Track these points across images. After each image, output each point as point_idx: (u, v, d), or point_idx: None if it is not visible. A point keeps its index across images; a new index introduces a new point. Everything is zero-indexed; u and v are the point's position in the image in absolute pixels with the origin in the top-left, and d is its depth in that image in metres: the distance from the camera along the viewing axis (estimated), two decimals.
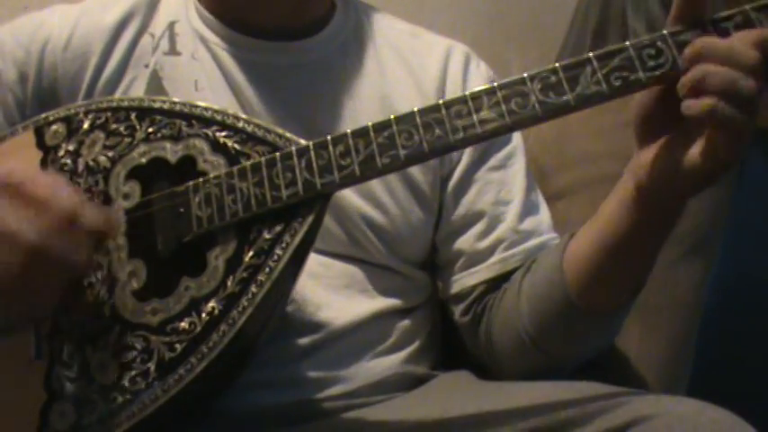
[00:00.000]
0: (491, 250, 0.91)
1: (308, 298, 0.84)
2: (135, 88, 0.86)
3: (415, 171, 0.90)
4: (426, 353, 0.93)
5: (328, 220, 0.85)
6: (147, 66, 0.88)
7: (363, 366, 0.85)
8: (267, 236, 0.70)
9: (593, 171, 1.04)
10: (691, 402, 0.67)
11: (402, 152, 0.68)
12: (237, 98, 0.87)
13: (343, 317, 0.85)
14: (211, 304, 0.69)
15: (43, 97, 0.86)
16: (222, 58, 0.89)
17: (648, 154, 0.69)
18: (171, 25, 0.90)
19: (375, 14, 0.98)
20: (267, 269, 0.69)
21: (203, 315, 0.69)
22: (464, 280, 0.92)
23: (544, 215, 0.94)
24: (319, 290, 0.85)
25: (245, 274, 0.69)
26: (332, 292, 0.86)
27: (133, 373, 0.69)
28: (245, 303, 0.69)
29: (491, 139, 0.68)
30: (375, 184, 0.88)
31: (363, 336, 0.86)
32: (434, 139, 0.68)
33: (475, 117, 0.67)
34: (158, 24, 0.90)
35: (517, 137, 0.97)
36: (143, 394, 0.68)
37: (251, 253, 0.70)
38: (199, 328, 0.69)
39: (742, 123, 0.62)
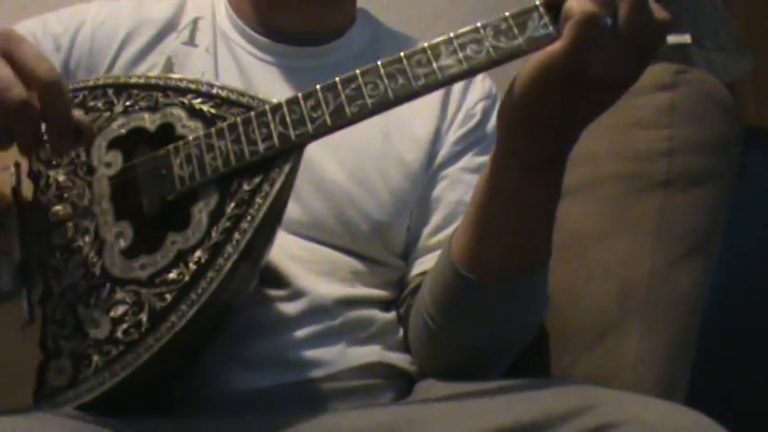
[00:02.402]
0: (439, 245, 0.92)
1: (289, 278, 0.86)
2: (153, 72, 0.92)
3: (409, 155, 0.95)
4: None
5: (318, 207, 0.89)
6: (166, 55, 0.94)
7: (345, 351, 0.86)
8: (247, 187, 0.74)
9: (594, 171, 1.02)
10: (660, 407, 0.67)
11: (369, 101, 0.73)
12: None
13: (320, 296, 0.86)
14: (198, 254, 0.72)
15: (70, 68, 0.92)
16: (242, 58, 0.95)
17: None
18: (195, 20, 0.97)
19: (391, 31, 1.06)
20: (249, 217, 0.73)
21: (191, 265, 0.72)
22: (409, 270, 0.95)
23: None
24: (301, 272, 0.87)
25: (228, 224, 0.73)
26: (313, 276, 0.88)
27: (126, 325, 0.72)
28: (230, 250, 0.72)
29: (452, 84, 0.73)
30: (370, 172, 0.92)
31: (343, 319, 0.87)
32: (398, 87, 0.72)
33: (435, 64, 0.72)
34: (184, 20, 0.97)
35: None
36: (137, 344, 0.71)
37: (233, 204, 0.73)
38: (187, 278, 0.72)
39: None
